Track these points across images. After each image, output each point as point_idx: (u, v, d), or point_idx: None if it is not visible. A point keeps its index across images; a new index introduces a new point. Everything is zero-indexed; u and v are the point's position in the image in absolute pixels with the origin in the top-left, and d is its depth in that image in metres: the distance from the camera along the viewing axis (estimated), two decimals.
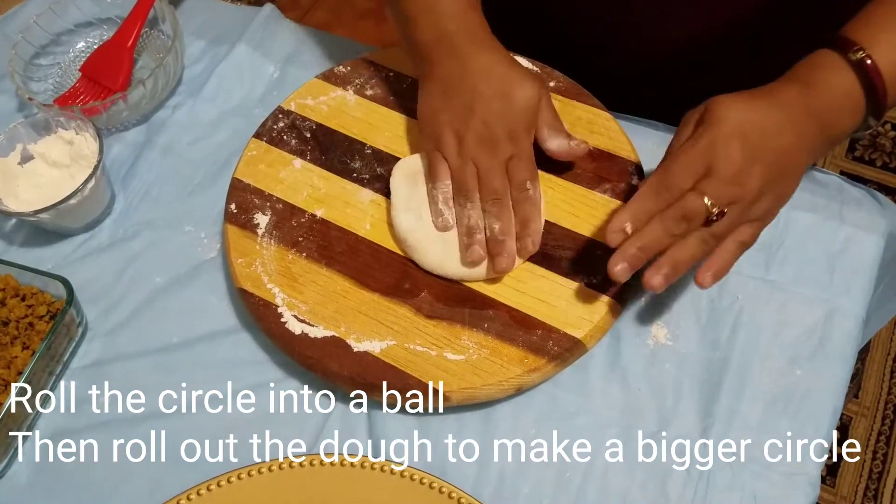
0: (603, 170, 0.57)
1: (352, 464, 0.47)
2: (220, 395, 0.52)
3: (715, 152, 0.45)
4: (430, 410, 0.51)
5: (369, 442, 0.51)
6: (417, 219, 0.53)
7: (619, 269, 0.46)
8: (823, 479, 0.49)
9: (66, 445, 0.51)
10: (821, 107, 0.47)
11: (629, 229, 0.47)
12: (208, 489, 0.46)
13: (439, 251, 0.52)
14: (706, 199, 0.45)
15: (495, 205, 0.52)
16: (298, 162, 0.59)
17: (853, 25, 0.47)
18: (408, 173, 0.55)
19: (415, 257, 0.53)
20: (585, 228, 0.54)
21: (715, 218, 0.45)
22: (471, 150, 0.52)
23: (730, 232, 0.46)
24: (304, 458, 0.47)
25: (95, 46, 0.71)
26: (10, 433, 0.50)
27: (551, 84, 0.61)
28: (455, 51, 0.53)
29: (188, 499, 0.46)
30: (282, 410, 0.52)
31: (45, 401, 0.53)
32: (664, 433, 0.50)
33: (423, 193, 0.55)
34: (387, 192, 0.57)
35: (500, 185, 0.52)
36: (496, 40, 0.55)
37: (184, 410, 0.52)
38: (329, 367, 0.49)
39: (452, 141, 0.53)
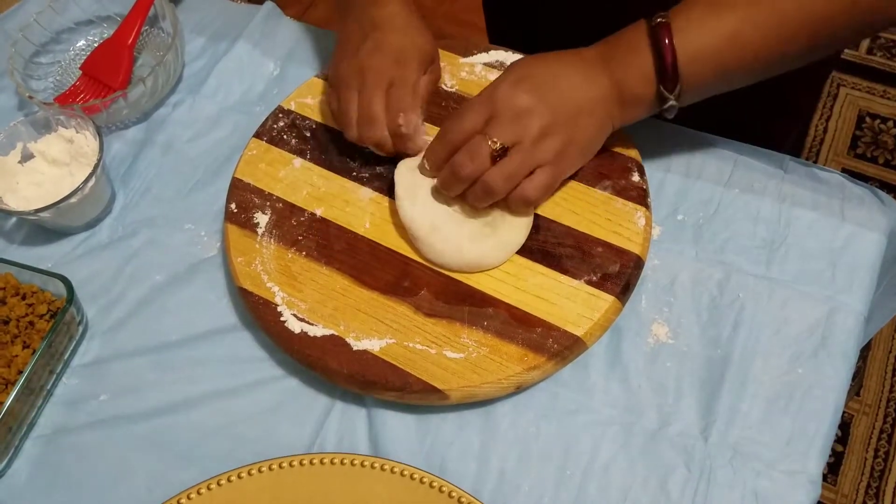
0: (603, 167, 0.56)
1: (351, 462, 0.47)
2: (220, 394, 0.52)
3: (497, 96, 0.49)
4: (430, 409, 0.51)
5: (369, 440, 0.51)
6: (421, 209, 0.53)
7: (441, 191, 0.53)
8: (825, 477, 0.48)
9: (67, 444, 0.51)
10: (616, 66, 0.50)
11: (427, 166, 0.53)
12: (208, 488, 0.46)
13: (441, 242, 0.52)
14: (489, 138, 0.48)
15: (364, 120, 0.54)
16: (298, 161, 0.59)
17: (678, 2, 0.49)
18: (412, 166, 0.56)
19: (418, 247, 0.53)
20: (585, 226, 0.54)
21: (498, 155, 0.49)
22: (364, 75, 0.54)
23: (521, 172, 0.49)
24: (303, 456, 0.47)
25: (96, 44, 0.71)
26: (11, 431, 0.50)
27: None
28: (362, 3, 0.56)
29: (188, 497, 0.46)
30: (281, 409, 0.52)
31: (46, 399, 0.53)
32: (665, 431, 0.49)
33: (427, 184, 0.55)
34: (386, 191, 0.57)
35: (377, 110, 0.54)
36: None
37: (183, 408, 0.52)
38: (328, 365, 0.49)
39: (355, 76, 0.55)
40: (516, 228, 0.53)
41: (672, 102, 0.50)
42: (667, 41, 0.47)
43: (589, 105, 0.50)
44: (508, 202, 0.51)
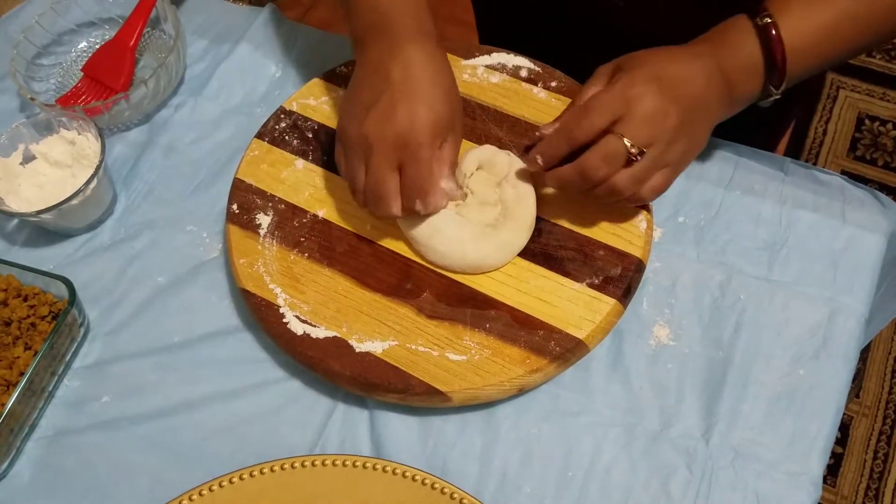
0: None
1: (353, 464, 0.47)
2: (222, 395, 0.52)
3: (632, 95, 0.46)
4: (432, 411, 0.51)
5: (371, 442, 0.51)
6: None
7: (549, 184, 0.51)
8: (824, 479, 0.49)
9: (68, 445, 0.51)
10: (727, 65, 0.49)
11: (539, 161, 0.50)
12: (210, 490, 0.46)
13: (443, 245, 0.52)
14: (625, 140, 0.46)
15: (370, 201, 0.50)
16: (300, 162, 0.59)
17: None
18: None
19: (419, 250, 0.53)
20: (587, 228, 0.54)
21: (635, 158, 0.46)
22: (373, 152, 0.48)
23: (650, 175, 0.48)
24: (305, 458, 0.47)
25: (97, 46, 0.71)
26: (13, 433, 0.50)
27: (553, 84, 0.61)
28: (384, 37, 0.50)
29: (190, 499, 0.46)
30: (284, 410, 0.52)
31: (47, 401, 0.53)
32: (666, 432, 0.50)
33: None
34: None
35: (384, 190, 0.49)
36: (431, 33, 0.51)
37: (185, 410, 0.52)
38: (331, 367, 0.49)
39: (360, 145, 0.49)
40: (518, 229, 0.53)
41: (775, 97, 0.50)
42: (778, 40, 0.48)
43: (710, 105, 0.49)
44: (637, 200, 0.50)
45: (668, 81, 0.47)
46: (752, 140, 0.63)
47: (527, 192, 0.54)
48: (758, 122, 0.74)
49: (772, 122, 0.77)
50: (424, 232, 0.52)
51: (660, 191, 0.49)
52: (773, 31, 0.48)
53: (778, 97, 0.51)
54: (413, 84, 0.48)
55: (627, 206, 0.52)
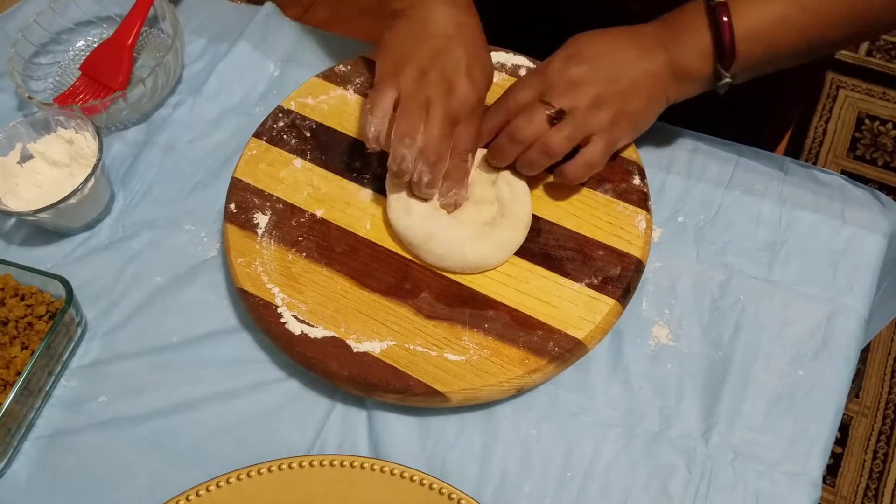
0: (604, 169, 0.56)
1: (352, 464, 0.47)
2: (221, 395, 0.52)
3: (552, 69, 0.51)
4: (431, 411, 0.51)
5: (369, 442, 0.50)
6: (416, 219, 0.53)
7: (490, 162, 0.55)
8: (823, 479, 0.49)
9: (66, 445, 0.51)
10: (673, 43, 0.51)
11: (483, 136, 0.54)
12: (208, 490, 0.46)
13: (441, 247, 0.52)
14: (545, 106, 0.50)
15: (431, 166, 0.51)
16: (299, 161, 0.59)
17: None
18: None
19: (416, 254, 0.53)
20: (586, 228, 0.54)
21: (555, 118, 0.50)
22: (429, 84, 0.50)
23: (573, 140, 0.51)
24: (304, 458, 0.47)
25: (95, 45, 0.71)
26: (10, 433, 0.50)
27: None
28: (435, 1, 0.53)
29: (187, 499, 0.46)
30: (282, 410, 0.52)
31: (45, 400, 0.53)
32: (666, 432, 0.49)
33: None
34: (386, 192, 0.57)
35: (444, 147, 0.51)
36: (473, 6, 0.56)
37: (183, 410, 0.52)
38: (329, 367, 0.49)
39: (414, 72, 0.51)
40: (515, 227, 0.53)
41: (727, 80, 0.51)
42: (725, 19, 0.49)
43: (642, 78, 0.51)
44: (569, 171, 0.52)
45: (588, 54, 0.51)
46: (753, 140, 0.63)
47: (522, 189, 0.54)
48: (758, 123, 0.74)
49: (772, 123, 0.77)
50: (421, 234, 0.52)
51: (600, 153, 0.51)
52: (724, 15, 0.49)
53: (730, 82, 0.51)
54: (475, 46, 0.53)
55: (582, 175, 0.53)
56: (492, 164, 0.55)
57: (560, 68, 0.51)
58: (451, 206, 0.54)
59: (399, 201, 0.54)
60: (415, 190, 0.53)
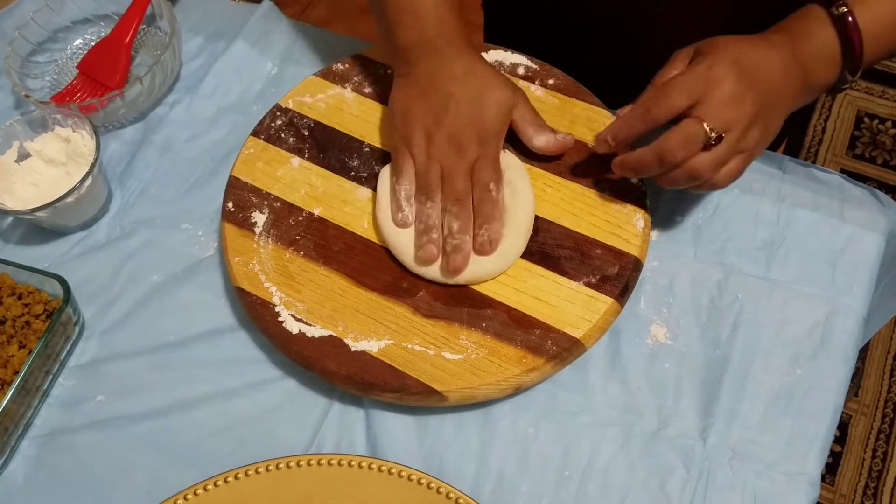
0: (603, 168, 0.56)
1: (349, 463, 0.46)
2: (218, 394, 0.52)
3: (712, 76, 0.47)
4: (429, 410, 0.51)
5: (367, 441, 0.50)
6: (409, 237, 0.53)
7: (615, 171, 0.52)
8: (823, 478, 0.48)
9: (63, 444, 0.51)
10: (804, 54, 0.50)
11: (611, 140, 0.51)
12: (205, 489, 0.46)
13: (439, 269, 0.52)
14: (704, 124, 0.46)
15: (456, 204, 0.52)
16: (296, 160, 0.59)
17: None
18: (386, 203, 0.55)
19: (399, 258, 0.53)
20: (584, 227, 0.54)
21: (713, 142, 0.46)
22: (438, 150, 0.53)
23: (728, 160, 0.48)
24: (301, 457, 0.47)
25: (93, 43, 0.70)
26: (7, 432, 0.50)
27: (550, 82, 0.61)
28: (434, 53, 0.54)
29: (185, 498, 0.46)
30: (279, 409, 0.52)
31: (42, 400, 0.53)
32: (664, 432, 0.49)
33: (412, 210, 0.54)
34: None
35: (463, 185, 0.52)
36: (473, 46, 0.56)
37: (181, 409, 0.52)
38: (327, 366, 0.49)
39: (422, 140, 0.53)
40: (517, 234, 0.52)
41: (850, 84, 0.51)
42: (855, 28, 0.48)
43: (788, 95, 0.50)
44: (699, 188, 0.50)
45: (747, 67, 0.47)
46: None
47: (525, 191, 0.54)
48: None
49: None
50: (398, 243, 0.52)
51: (735, 176, 0.49)
52: (851, 20, 0.48)
53: (850, 86, 0.51)
54: (475, 93, 0.53)
55: (698, 191, 0.51)
56: (618, 173, 0.52)
57: (720, 78, 0.47)
58: (487, 246, 0.51)
59: (386, 204, 0.54)
60: (447, 248, 0.51)
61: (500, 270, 0.52)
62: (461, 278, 0.52)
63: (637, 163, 0.49)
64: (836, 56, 0.50)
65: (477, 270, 0.51)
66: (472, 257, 0.51)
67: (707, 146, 0.47)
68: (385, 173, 0.56)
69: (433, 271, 0.52)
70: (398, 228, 0.53)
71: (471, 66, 0.54)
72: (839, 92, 0.52)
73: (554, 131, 0.55)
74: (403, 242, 0.53)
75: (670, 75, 0.50)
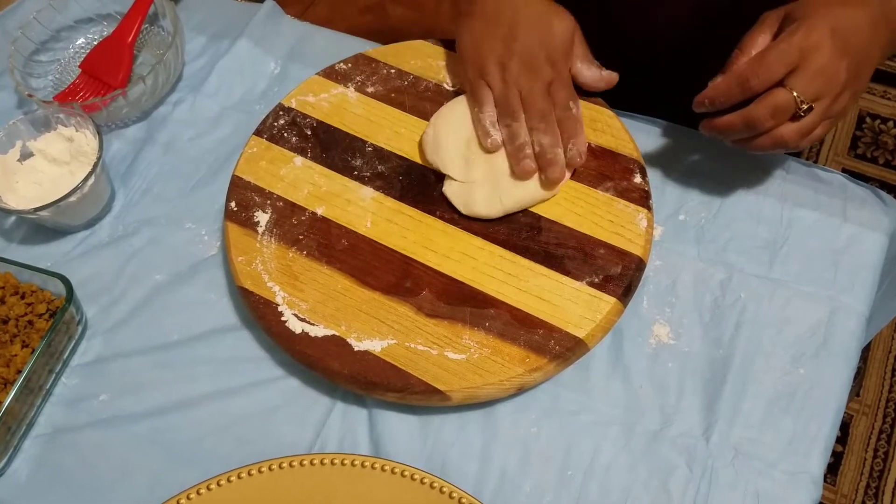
0: (605, 167, 0.56)
1: (352, 463, 0.46)
2: (221, 394, 0.52)
3: (808, 46, 0.47)
4: (431, 409, 0.51)
5: (370, 441, 0.50)
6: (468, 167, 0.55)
7: (707, 133, 0.52)
8: (824, 477, 0.48)
9: (66, 443, 0.51)
10: (892, 10, 0.49)
11: (708, 105, 0.51)
12: (208, 488, 0.46)
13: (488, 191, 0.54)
14: (794, 94, 0.47)
15: (542, 121, 0.54)
16: (299, 159, 0.59)
17: None
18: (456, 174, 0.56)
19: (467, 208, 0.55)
20: (587, 227, 0.54)
21: (803, 113, 0.48)
22: (514, 75, 0.55)
23: (813, 128, 0.48)
24: (304, 457, 0.47)
25: (95, 42, 0.71)
26: (10, 431, 0.50)
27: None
28: None
29: (188, 498, 0.46)
30: (282, 409, 0.52)
31: (45, 398, 0.53)
32: (667, 431, 0.49)
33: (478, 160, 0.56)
34: (387, 190, 0.57)
35: (545, 105, 0.55)
36: None
37: (184, 408, 0.52)
38: (330, 365, 0.49)
39: (496, 68, 0.55)
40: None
41: None
42: None
43: (875, 52, 0.50)
44: (784, 142, 0.50)
45: (841, 33, 0.47)
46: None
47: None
48: None
49: None
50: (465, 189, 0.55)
51: (818, 139, 0.50)
52: None
53: None
54: (541, 18, 0.56)
55: (779, 153, 0.52)
56: (705, 133, 0.53)
57: (816, 47, 0.47)
58: (578, 158, 0.54)
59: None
60: (541, 162, 0.54)
61: (563, 179, 0.54)
62: (523, 201, 0.54)
63: (726, 126, 0.50)
64: None
65: (534, 194, 0.54)
66: (523, 184, 0.54)
67: (796, 116, 0.48)
68: (442, 113, 0.58)
69: (486, 205, 0.54)
70: (462, 176, 0.55)
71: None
72: None
73: (601, 67, 0.58)
74: (466, 188, 0.54)
75: (758, 41, 0.50)
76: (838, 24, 0.47)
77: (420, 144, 0.58)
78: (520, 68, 0.55)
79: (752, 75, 0.48)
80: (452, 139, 0.56)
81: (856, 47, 0.48)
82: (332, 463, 0.47)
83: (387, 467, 0.46)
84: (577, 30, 0.57)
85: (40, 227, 0.61)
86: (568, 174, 0.55)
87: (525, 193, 0.54)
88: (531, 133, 0.55)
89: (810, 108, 0.47)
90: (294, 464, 0.47)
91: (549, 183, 0.54)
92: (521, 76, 0.55)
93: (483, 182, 0.55)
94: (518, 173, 0.54)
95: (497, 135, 0.55)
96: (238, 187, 0.57)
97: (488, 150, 0.55)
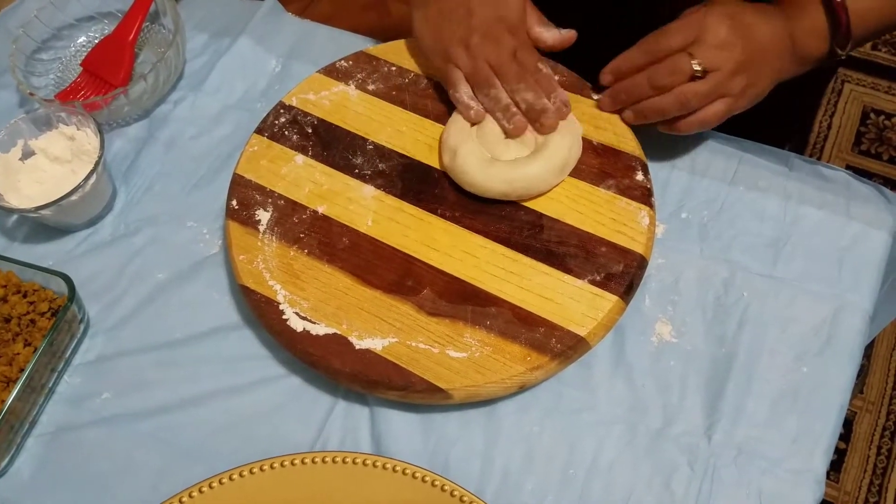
0: (607, 165, 0.56)
1: (354, 461, 0.46)
2: (223, 392, 0.52)
3: (706, 23, 0.52)
4: (433, 408, 0.51)
5: (372, 439, 0.50)
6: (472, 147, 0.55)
7: (604, 101, 0.58)
8: (827, 475, 0.48)
9: (69, 442, 0.51)
10: (794, 26, 0.54)
11: (611, 74, 0.56)
12: (210, 486, 0.46)
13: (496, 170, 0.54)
14: (693, 60, 0.51)
15: (520, 81, 0.55)
16: (300, 158, 0.59)
17: None
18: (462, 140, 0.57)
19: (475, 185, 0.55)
20: (589, 225, 0.54)
21: (699, 76, 0.51)
22: (479, 50, 0.56)
23: (707, 98, 0.52)
24: (306, 455, 0.47)
25: (96, 41, 0.71)
26: (13, 430, 0.50)
27: (556, 78, 0.61)
28: None
29: (190, 496, 0.46)
30: (284, 407, 0.52)
31: (48, 397, 0.53)
32: (669, 430, 0.49)
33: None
34: (388, 188, 0.57)
35: (518, 67, 0.56)
36: None
37: (186, 406, 0.52)
38: (331, 364, 0.49)
39: (460, 49, 0.56)
40: (562, 148, 0.54)
41: (841, 57, 0.55)
42: (841, 7, 0.52)
43: (776, 55, 0.54)
44: (683, 124, 0.54)
45: (739, 20, 0.52)
46: (757, 136, 0.62)
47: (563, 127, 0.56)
48: (764, 119, 0.73)
49: (778, 119, 0.77)
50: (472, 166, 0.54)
51: (720, 117, 0.53)
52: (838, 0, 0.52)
53: (843, 58, 0.54)
54: None
55: (693, 131, 0.55)
56: (611, 104, 0.57)
57: (715, 23, 0.52)
58: (564, 107, 0.56)
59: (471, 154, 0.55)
60: (532, 115, 0.55)
61: (556, 125, 0.55)
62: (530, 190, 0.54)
63: (630, 86, 0.55)
64: (824, 31, 0.53)
65: (540, 186, 0.54)
66: (534, 176, 0.54)
67: (693, 79, 0.52)
68: (453, 121, 0.58)
69: (499, 182, 0.54)
70: (481, 162, 0.54)
71: None
72: (833, 61, 0.55)
73: (558, 28, 0.59)
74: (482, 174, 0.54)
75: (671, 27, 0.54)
76: (738, 15, 0.53)
77: (439, 150, 0.58)
78: (483, 42, 0.56)
79: (653, 42, 0.53)
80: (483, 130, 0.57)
81: (752, 37, 0.52)
82: (334, 461, 0.47)
83: (388, 465, 0.46)
84: None
85: (42, 225, 0.61)
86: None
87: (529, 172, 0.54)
88: (513, 95, 0.56)
89: (706, 73, 0.51)
90: (296, 462, 0.47)
91: (545, 129, 0.55)
92: (486, 49, 0.56)
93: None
94: (512, 132, 0.56)
95: (477, 105, 0.56)
96: (239, 186, 0.57)
97: (473, 122, 0.57)
